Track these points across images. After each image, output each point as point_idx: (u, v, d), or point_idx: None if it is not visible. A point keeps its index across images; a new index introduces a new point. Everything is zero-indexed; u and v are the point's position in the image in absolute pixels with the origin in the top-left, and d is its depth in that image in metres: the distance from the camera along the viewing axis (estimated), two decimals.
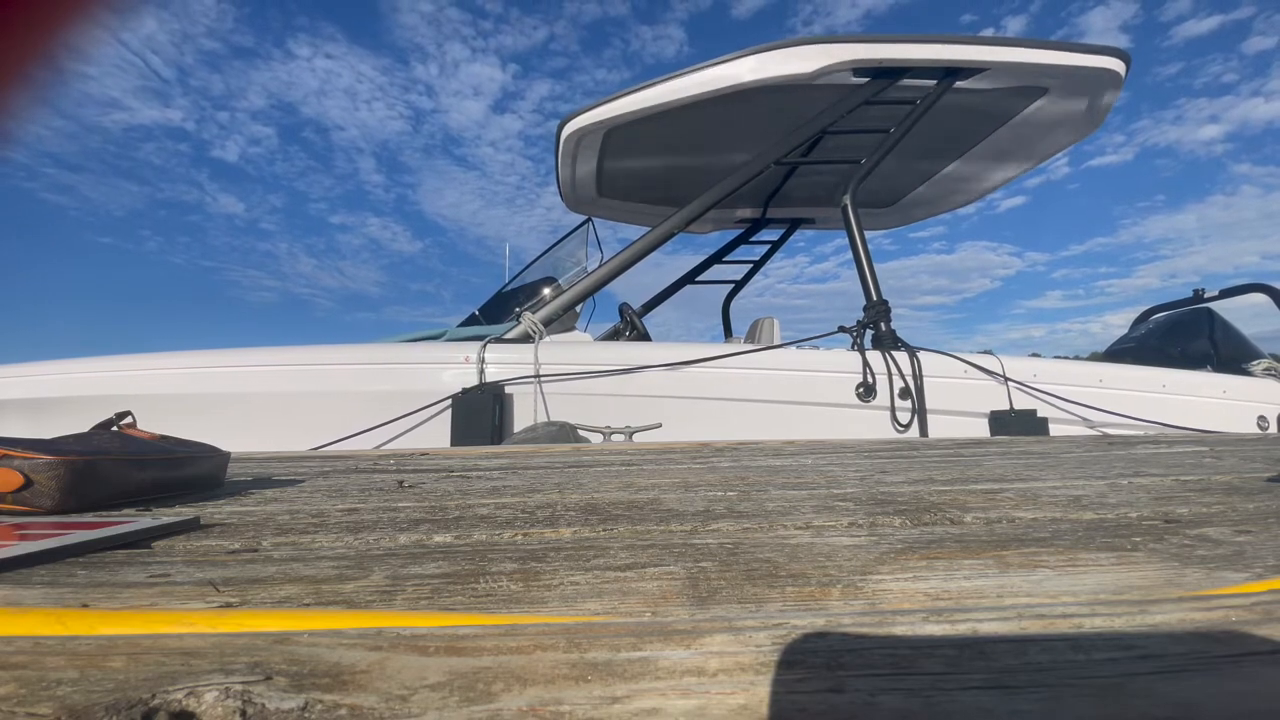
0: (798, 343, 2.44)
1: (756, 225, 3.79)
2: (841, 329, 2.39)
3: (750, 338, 3.45)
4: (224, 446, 0.97)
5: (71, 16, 0.13)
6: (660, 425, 2.13)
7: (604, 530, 0.60)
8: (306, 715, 0.23)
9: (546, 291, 2.84)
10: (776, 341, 3.08)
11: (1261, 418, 2.43)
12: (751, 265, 3.94)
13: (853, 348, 2.32)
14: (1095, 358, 3.85)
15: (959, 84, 2.49)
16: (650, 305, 3.79)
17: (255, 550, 0.54)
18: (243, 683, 0.25)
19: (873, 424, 2.20)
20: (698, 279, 3.89)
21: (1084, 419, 2.27)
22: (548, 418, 2.14)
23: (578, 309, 2.67)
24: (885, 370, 2.23)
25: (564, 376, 2.17)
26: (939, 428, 2.18)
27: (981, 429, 2.22)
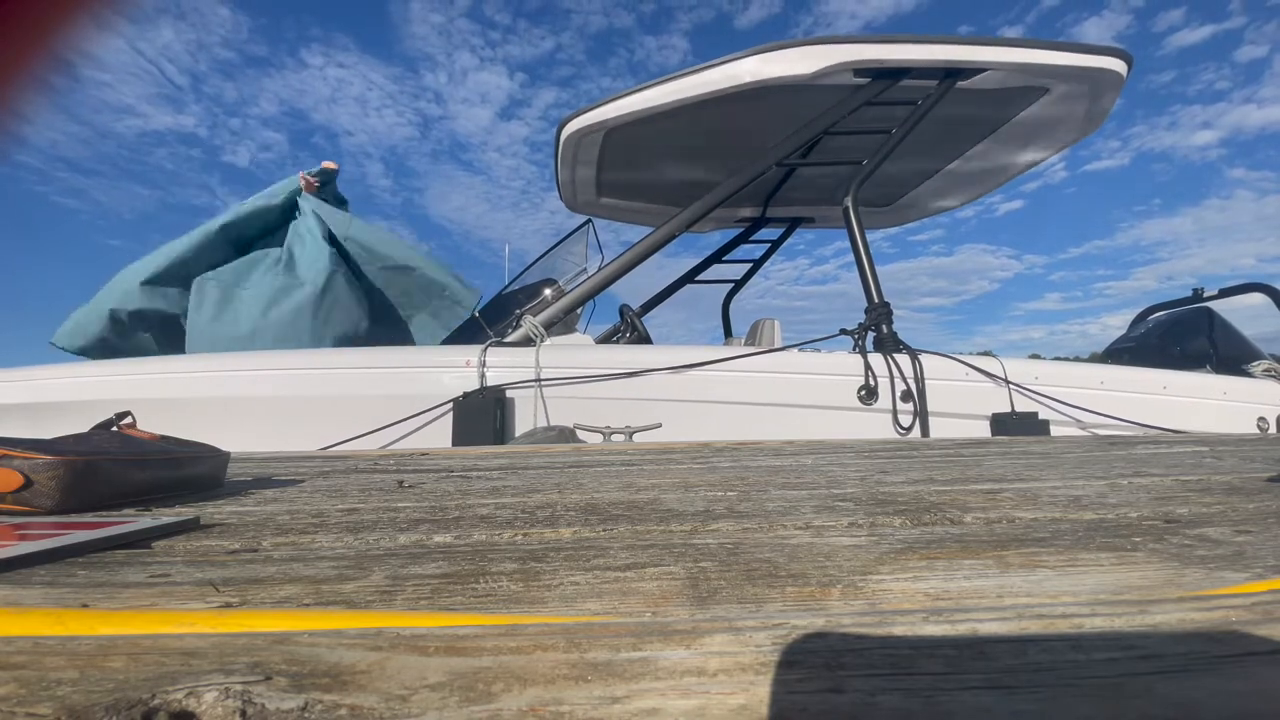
0: (799, 345, 2.44)
1: (757, 224, 3.79)
2: (843, 331, 2.39)
3: (751, 339, 3.45)
4: (223, 449, 0.97)
5: (75, 17, 0.13)
6: (660, 425, 2.13)
7: (604, 530, 0.60)
8: (306, 715, 0.23)
9: (548, 293, 2.84)
10: (778, 343, 3.08)
11: (1261, 419, 2.43)
12: (751, 264, 3.94)
13: (854, 350, 2.32)
14: (1095, 358, 3.85)
15: (959, 84, 2.49)
16: (650, 305, 3.79)
17: (255, 550, 0.54)
18: (243, 683, 0.25)
19: (874, 427, 2.20)
20: (698, 278, 3.89)
21: (1085, 422, 2.27)
22: (548, 421, 2.14)
23: (578, 311, 2.67)
24: (887, 373, 2.23)
25: (565, 380, 2.17)
26: (940, 430, 2.18)
27: (983, 432, 2.22)
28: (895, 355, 2.26)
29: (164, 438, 0.92)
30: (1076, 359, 3.67)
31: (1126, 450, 1.27)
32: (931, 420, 2.18)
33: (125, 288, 2.54)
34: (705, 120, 2.68)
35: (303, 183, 2.80)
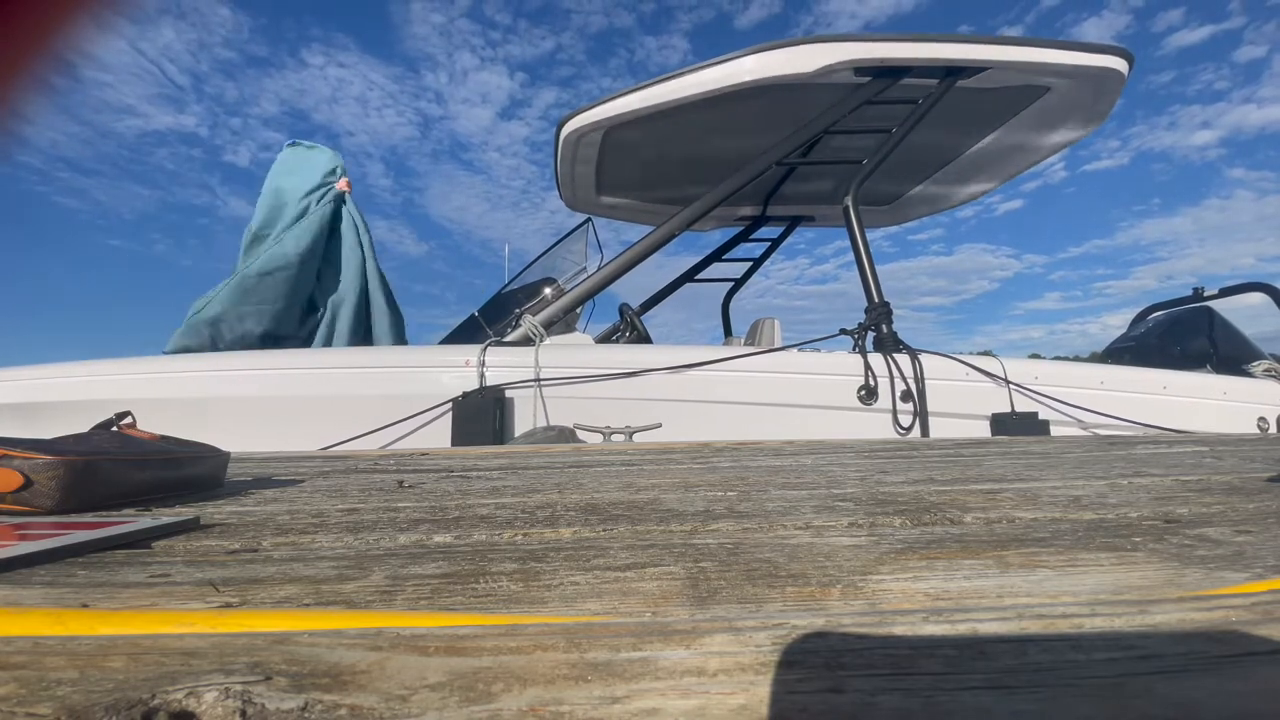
0: (799, 345, 2.44)
1: (757, 223, 3.79)
2: (843, 331, 2.39)
3: (751, 338, 3.45)
4: (223, 449, 0.97)
5: (75, 17, 0.13)
6: (660, 425, 2.13)
7: (604, 530, 0.60)
8: (306, 715, 0.23)
9: (547, 292, 2.84)
10: (778, 342, 3.08)
11: (1262, 419, 2.43)
12: (751, 263, 3.94)
13: (854, 350, 2.32)
14: (1095, 357, 3.85)
15: (960, 83, 2.49)
16: (650, 304, 3.79)
17: (255, 550, 0.54)
18: (243, 683, 0.25)
19: (874, 427, 2.20)
20: (697, 277, 3.89)
21: (1085, 422, 2.27)
22: (548, 421, 2.14)
23: (578, 310, 2.67)
24: (887, 373, 2.23)
25: (565, 380, 2.17)
26: (940, 430, 2.18)
27: (983, 432, 2.22)
28: (895, 355, 2.26)
29: (164, 438, 0.92)
30: (1076, 359, 3.67)
31: (1126, 450, 1.28)
32: (931, 420, 2.18)
33: (227, 302, 2.58)
34: (705, 119, 2.67)
35: (343, 187, 2.84)
